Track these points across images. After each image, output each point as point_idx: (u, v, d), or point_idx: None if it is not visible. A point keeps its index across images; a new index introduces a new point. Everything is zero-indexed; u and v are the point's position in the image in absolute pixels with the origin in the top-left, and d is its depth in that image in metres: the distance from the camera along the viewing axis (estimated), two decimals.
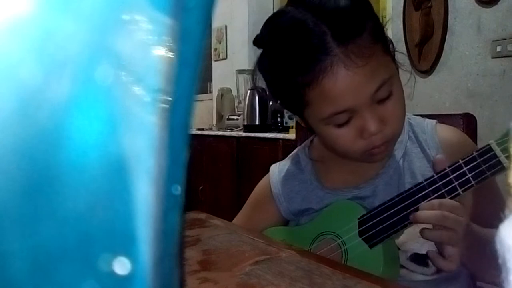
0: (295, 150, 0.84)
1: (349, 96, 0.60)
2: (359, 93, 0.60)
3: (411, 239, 0.67)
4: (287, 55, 0.62)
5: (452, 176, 0.61)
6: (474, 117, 0.88)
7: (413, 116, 0.77)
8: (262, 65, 0.70)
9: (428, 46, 2.02)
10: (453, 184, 0.60)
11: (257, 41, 0.69)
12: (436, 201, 0.59)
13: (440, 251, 0.60)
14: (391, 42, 0.67)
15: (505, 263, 0.17)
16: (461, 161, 0.60)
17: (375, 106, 0.62)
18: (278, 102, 0.73)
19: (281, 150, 2.10)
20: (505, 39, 1.75)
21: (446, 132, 0.74)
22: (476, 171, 0.59)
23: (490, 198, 0.68)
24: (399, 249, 0.68)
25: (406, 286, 0.65)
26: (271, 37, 0.66)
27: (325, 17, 0.59)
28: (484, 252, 0.55)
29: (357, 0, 0.62)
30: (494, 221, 0.19)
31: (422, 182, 0.63)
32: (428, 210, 0.59)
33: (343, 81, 0.59)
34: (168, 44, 0.13)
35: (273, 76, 0.68)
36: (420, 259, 0.68)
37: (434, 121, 0.74)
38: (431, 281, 0.68)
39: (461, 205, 0.59)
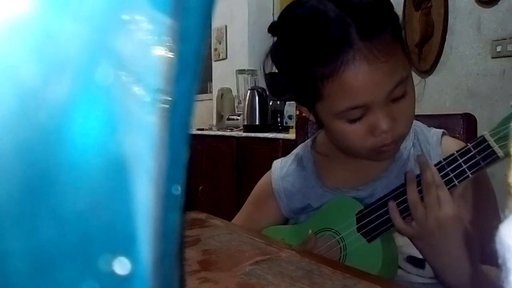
0: (297, 147, 0.84)
1: (368, 91, 0.59)
2: (377, 89, 0.60)
3: (408, 244, 0.66)
4: (307, 45, 0.61)
5: (448, 169, 0.61)
6: (474, 117, 0.88)
7: (420, 124, 0.76)
8: (277, 54, 0.68)
9: (428, 46, 2.02)
10: (449, 176, 0.61)
11: (273, 29, 0.68)
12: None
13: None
14: (406, 43, 0.67)
15: (505, 263, 0.17)
16: (456, 154, 0.61)
17: (389, 104, 0.61)
18: (291, 89, 0.73)
19: (281, 150, 2.10)
20: (505, 39, 1.75)
21: (452, 146, 0.71)
22: (471, 162, 0.60)
23: (485, 199, 0.68)
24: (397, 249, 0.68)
25: (406, 286, 0.65)
26: (289, 26, 0.65)
27: (350, 10, 0.59)
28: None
29: None
30: (492, 222, 0.19)
31: (418, 176, 0.63)
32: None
33: (364, 75, 0.58)
34: (168, 44, 0.13)
35: (289, 66, 0.67)
36: (416, 261, 0.68)
37: (440, 132, 0.73)
38: (428, 284, 0.68)
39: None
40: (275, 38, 0.69)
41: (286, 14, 0.66)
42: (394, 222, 0.62)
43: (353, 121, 0.62)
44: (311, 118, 0.71)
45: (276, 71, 0.72)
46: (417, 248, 0.64)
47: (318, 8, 0.60)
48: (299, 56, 0.63)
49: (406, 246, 0.67)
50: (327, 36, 0.59)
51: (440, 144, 0.72)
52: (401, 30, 0.64)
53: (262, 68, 0.74)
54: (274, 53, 0.69)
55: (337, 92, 0.60)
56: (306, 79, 0.63)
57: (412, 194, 0.61)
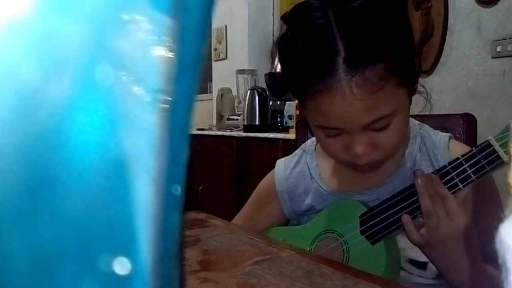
0: (301, 147, 0.84)
1: (341, 120, 0.60)
2: (351, 121, 0.59)
3: (410, 247, 0.66)
4: (298, 59, 0.62)
5: (453, 174, 0.61)
6: (474, 117, 0.88)
7: (427, 127, 0.75)
8: (283, 42, 0.67)
9: (428, 46, 2.02)
10: (454, 181, 0.61)
11: (285, 19, 0.68)
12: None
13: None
14: (423, 87, 0.67)
15: (505, 263, 0.17)
16: (461, 158, 0.61)
17: (367, 131, 0.60)
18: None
19: (281, 150, 2.10)
20: (505, 39, 1.75)
21: (459, 150, 0.69)
22: (476, 167, 0.60)
23: (489, 200, 0.68)
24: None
25: (406, 286, 0.65)
26: (296, 28, 0.63)
27: (346, 33, 0.57)
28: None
29: (392, 22, 0.59)
30: (492, 222, 0.19)
31: None
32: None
33: (338, 107, 0.58)
34: (168, 44, 0.13)
35: (285, 67, 0.68)
36: (418, 262, 0.68)
37: (447, 136, 0.72)
38: (430, 285, 0.68)
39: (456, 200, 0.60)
40: (277, 36, 0.69)
41: (298, 11, 0.64)
42: (409, 235, 0.62)
43: (331, 135, 0.64)
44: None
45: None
46: (425, 254, 0.64)
47: (319, 22, 0.59)
48: (292, 63, 0.64)
49: (408, 249, 0.67)
50: (315, 58, 0.59)
51: (448, 149, 0.71)
52: (406, 62, 0.61)
53: (270, 55, 0.73)
54: (281, 42, 0.68)
55: (314, 110, 0.62)
56: (295, 85, 0.65)
57: (426, 203, 0.60)
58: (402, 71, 0.59)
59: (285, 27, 0.67)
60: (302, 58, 0.61)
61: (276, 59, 0.74)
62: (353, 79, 0.56)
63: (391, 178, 0.71)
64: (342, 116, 0.59)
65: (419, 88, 0.69)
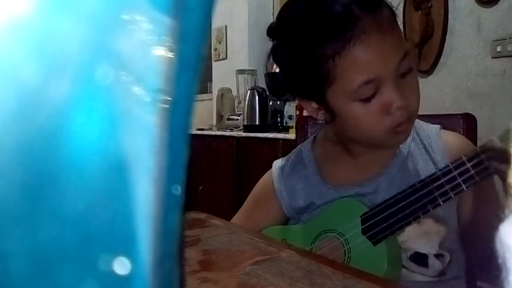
0: (298, 147, 0.84)
1: (380, 62, 0.61)
2: (388, 59, 0.61)
3: (412, 238, 0.67)
4: (312, 29, 0.63)
5: (455, 173, 0.61)
6: (474, 117, 0.88)
7: (417, 120, 0.76)
8: (279, 52, 0.69)
9: (428, 46, 2.02)
10: (457, 181, 0.61)
11: (271, 30, 0.69)
12: None
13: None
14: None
15: (505, 263, 0.17)
16: (464, 158, 0.61)
17: (398, 80, 0.63)
18: (295, 91, 0.73)
19: (281, 150, 2.10)
20: (505, 39, 1.75)
21: (450, 137, 0.74)
22: (479, 168, 0.60)
23: (489, 199, 0.68)
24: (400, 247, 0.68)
25: (406, 286, 0.65)
26: (290, 18, 0.66)
27: None
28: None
29: None
30: (493, 221, 0.19)
31: (425, 179, 0.63)
32: None
33: (375, 45, 0.60)
34: (168, 44, 0.13)
35: (294, 58, 0.67)
36: (420, 259, 0.68)
37: (438, 126, 0.75)
38: (431, 282, 0.68)
39: None
40: (275, 42, 0.70)
41: (284, 11, 0.68)
42: None
43: (366, 100, 0.63)
44: (319, 116, 0.70)
45: (277, 70, 0.72)
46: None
47: None
48: (305, 43, 0.64)
49: (410, 241, 0.67)
50: (332, 15, 0.61)
51: (440, 137, 0.73)
52: (394, 12, 0.67)
53: (264, 68, 0.75)
54: (276, 53, 0.69)
55: (349, 67, 0.61)
56: (315, 65, 0.63)
57: None
58: (396, 19, 0.66)
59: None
60: (318, 25, 0.62)
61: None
62: (376, 15, 0.61)
63: (388, 167, 0.72)
64: (380, 55, 0.61)
65: None
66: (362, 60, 0.60)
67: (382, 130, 0.64)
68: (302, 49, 0.64)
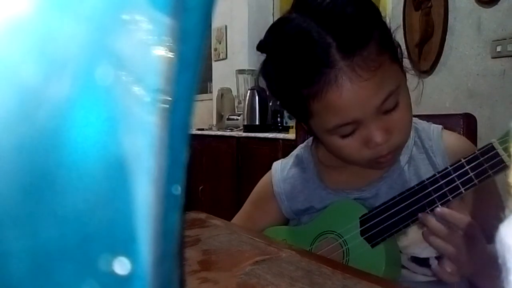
0: (297, 148, 0.84)
1: (354, 109, 0.59)
2: (364, 106, 0.59)
3: (413, 244, 0.66)
4: (292, 66, 0.62)
5: (454, 175, 0.60)
6: (474, 117, 0.88)
7: (419, 120, 0.76)
8: (267, 72, 0.69)
9: (428, 46, 2.02)
10: (455, 183, 0.60)
11: (261, 47, 0.68)
12: (446, 210, 0.59)
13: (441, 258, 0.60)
14: (399, 46, 0.65)
15: (505, 263, 0.17)
16: (463, 160, 0.60)
17: (381, 116, 0.61)
18: (282, 107, 0.73)
19: (281, 150, 2.10)
20: (505, 39, 1.75)
21: (452, 139, 0.73)
22: (478, 170, 0.59)
23: (490, 199, 0.68)
24: (400, 251, 0.68)
25: (406, 286, 0.65)
26: (275, 46, 0.65)
27: (330, 26, 0.58)
28: (487, 264, 0.55)
29: (364, 7, 0.61)
30: (493, 222, 0.19)
31: (424, 181, 0.62)
32: (436, 220, 0.59)
33: (348, 94, 0.58)
34: (168, 44, 0.13)
35: (278, 86, 0.67)
36: (421, 260, 0.68)
37: (440, 127, 0.74)
38: (431, 282, 0.68)
39: (466, 218, 0.58)
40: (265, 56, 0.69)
41: (272, 32, 0.66)
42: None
43: (346, 136, 0.62)
44: (308, 132, 0.72)
45: None
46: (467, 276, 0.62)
47: (301, 27, 0.60)
48: (286, 76, 0.63)
49: (411, 246, 0.67)
50: (310, 57, 0.59)
51: (441, 138, 0.72)
52: (390, 38, 0.63)
53: (255, 81, 0.75)
54: (264, 72, 0.69)
55: (324, 111, 0.61)
56: (294, 99, 0.63)
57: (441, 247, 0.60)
58: (390, 46, 0.62)
59: (260, 53, 0.68)
60: (297, 64, 0.61)
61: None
62: (353, 62, 0.57)
63: (388, 172, 0.71)
64: (354, 103, 0.58)
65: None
66: (335, 107, 0.59)
67: (363, 160, 0.65)
68: (284, 81, 0.64)
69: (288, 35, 0.62)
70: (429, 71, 2.02)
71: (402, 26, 2.09)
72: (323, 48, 0.58)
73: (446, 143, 0.71)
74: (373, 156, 0.63)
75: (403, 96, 0.62)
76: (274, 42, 0.65)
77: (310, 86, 0.59)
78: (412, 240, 0.66)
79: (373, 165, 0.67)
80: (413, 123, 0.73)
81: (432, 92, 2.01)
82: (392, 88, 0.60)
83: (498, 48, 1.77)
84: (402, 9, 2.08)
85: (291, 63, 0.62)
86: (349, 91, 0.58)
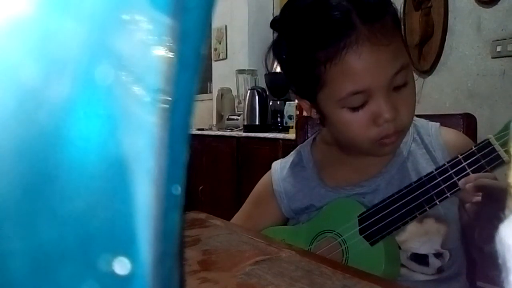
0: (297, 148, 0.84)
1: (370, 74, 0.60)
2: (380, 72, 0.60)
3: (411, 238, 0.67)
4: (310, 31, 0.62)
5: (451, 172, 0.60)
6: (474, 117, 0.88)
7: (418, 118, 0.76)
8: (279, 47, 0.69)
9: (428, 46, 2.02)
10: (453, 180, 0.60)
11: (274, 23, 0.69)
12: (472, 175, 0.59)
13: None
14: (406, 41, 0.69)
15: (505, 263, 0.17)
16: (460, 156, 0.61)
17: (391, 92, 0.62)
18: (292, 83, 0.72)
19: (281, 150, 2.10)
20: (505, 39, 1.75)
21: (450, 134, 0.74)
22: (475, 166, 0.59)
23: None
24: (399, 247, 0.68)
25: (406, 286, 0.65)
26: (292, 15, 0.66)
27: None
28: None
29: None
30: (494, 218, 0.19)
31: (421, 178, 0.63)
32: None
33: (367, 57, 0.59)
34: (168, 44, 0.13)
35: (290, 56, 0.67)
36: (420, 258, 0.68)
37: (437, 124, 0.75)
38: (431, 281, 0.68)
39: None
40: (276, 35, 0.70)
41: (287, 6, 0.67)
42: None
43: (355, 109, 0.62)
44: (313, 114, 0.71)
45: (277, 70, 0.72)
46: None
47: None
48: (301, 43, 0.64)
49: (409, 241, 0.67)
50: (329, 20, 0.60)
51: (440, 135, 0.73)
52: (400, 21, 0.66)
53: (264, 63, 0.74)
54: (276, 47, 0.70)
55: (340, 76, 0.61)
56: (308, 66, 0.63)
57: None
58: (400, 29, 0.65)
59: (275, 36, 0.69)
60: (316, 28, 0.62)
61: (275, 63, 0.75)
62: (373, 27, 0.59)
63: (387, 167, 0.72)
64: (371, 67, 0.59)
65: None
66: (352, 71, 0.60)
67: (367, 140, 0.64)
68: (298, 48, 0.65)
69: (306, 3, 0.63)
70: (429, 71, 2.02)
71: (402, 26, 2.09)
72: (343, 12, 0.59)
73: (444, 139, 0.72)
74: (379, 135, 0.63)
75: (410, 77, 0.64)
76: (291, 12, 0.66)
77: (328, 48, 0.60)
78: (411, 235, 0.66)
79: (375, 149, 0.66)
80: (413, 121, 0.73)
81: (432, 92, 2.01)
82: (404, 62, 0.62)
83: (498, 48, 1.77)
84: (402, 9, 2.08)
85: (309, 27, 0.62)
86: (368, 54, 0.59)
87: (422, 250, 0.67)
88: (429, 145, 0.72)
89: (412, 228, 0.67)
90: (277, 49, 0.69)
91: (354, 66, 0.59)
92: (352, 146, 0.69)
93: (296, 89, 0.72)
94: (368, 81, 0.60)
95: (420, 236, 0.67)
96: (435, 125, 0.74)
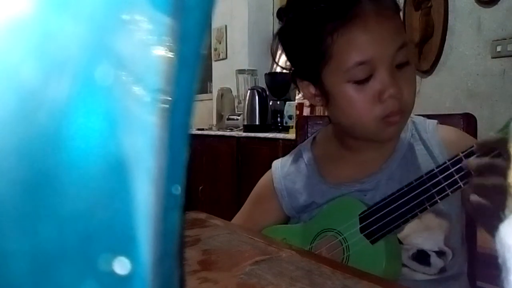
0: (297, 147, 0.85)
1: (376, 44, 0.62)
2: (385, 44, 0.63)
3: (414, 233, 0.67)
4: (318, 6, 0.65)
5: (452, 170, 0.60)
6: (474, 117, 0.88)
7: (415, 115, 0.77)
8: (284, 30, 0.72)
9: (428, 46, 2.02)
10: (454, 177, 0.60)
11: (280, 11, 0.72)
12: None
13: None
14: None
15: (505, 263, 0.17)
16: (461, 154, 0.61)
17: (394, 70, 0.64)
18: (294, 65, 0.74)
19: (281, 150, 2.10)
20: (505, 39, 1.75)
21: (447, 131, 0.75)
22: None
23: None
24: (401, 243, 0.68)
25: (407, 286, 0.65)
26: None
27: None
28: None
29: None
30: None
31: (422, 176, 0.63)
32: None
33: (372, 28, 0.62)
34: (168, 44, 0.13)
35: (297, 34, 0.69)
36: (422, 258, 0.68)
37: (435, 121, 0.76)
38: (432, 280, 0.68)
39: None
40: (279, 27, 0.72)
41: None
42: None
43: (360, 83, 0.64)
44: (317, 101, 0.72)
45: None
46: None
47: None
48: (309, 18, 0.66)
49: (411, 236, 0.67)
50: None
51: (436, 131, 0.74)
52: (398, 6, 0.69)
53: (270, 51, 0.76)
54: (281, 33, 0.72)
55: (345, 46, 0.63)
56: (315, 41, 0.65)
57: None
58: (399, 13, 0.68)
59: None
60: (322, 2, 0.65)
61: (277, 56, 0.75)
62: (377, 2, 0.63)
63: (387, 163, 0.72)
64: (377, 38, 0.63)
65: None
66: (358, 40, 0.63)
67: (373, 118, 0.65)
68: (305, 26, 0.67)
69: None
70: (429, 71, 2.02)
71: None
72: None
73: (441, 135, 0.73)
74: (384, 112, 0.64)
75: (411, 60, 0.67)
76: None
77: (335, 19, 0.63)
78: (412, 230, 0.66)
79: (380, 131, 0.66)
80: (410, 117, 0.74)
81: (432, 92, 2.01)
82: (405, 40, 0.65)
83: (498, 48, 1.77)
84: (402, 9, 2.08)
85: (316, 4, 0.65)
86: (374, 25, 0.62)
87: (425, 246, 0.67)
88: (427, 141, 0.73)
89: (413, 223, 0.67)
90: (283, 35, 0.72)
91: (359, 36, 0.62)
92: (356, 130, 0.69)
93: (300, 71, 0.73)
94: (373, 52, 0.62)
95: (421, 232, 0.67)
96: (433, 122, 0.75)
